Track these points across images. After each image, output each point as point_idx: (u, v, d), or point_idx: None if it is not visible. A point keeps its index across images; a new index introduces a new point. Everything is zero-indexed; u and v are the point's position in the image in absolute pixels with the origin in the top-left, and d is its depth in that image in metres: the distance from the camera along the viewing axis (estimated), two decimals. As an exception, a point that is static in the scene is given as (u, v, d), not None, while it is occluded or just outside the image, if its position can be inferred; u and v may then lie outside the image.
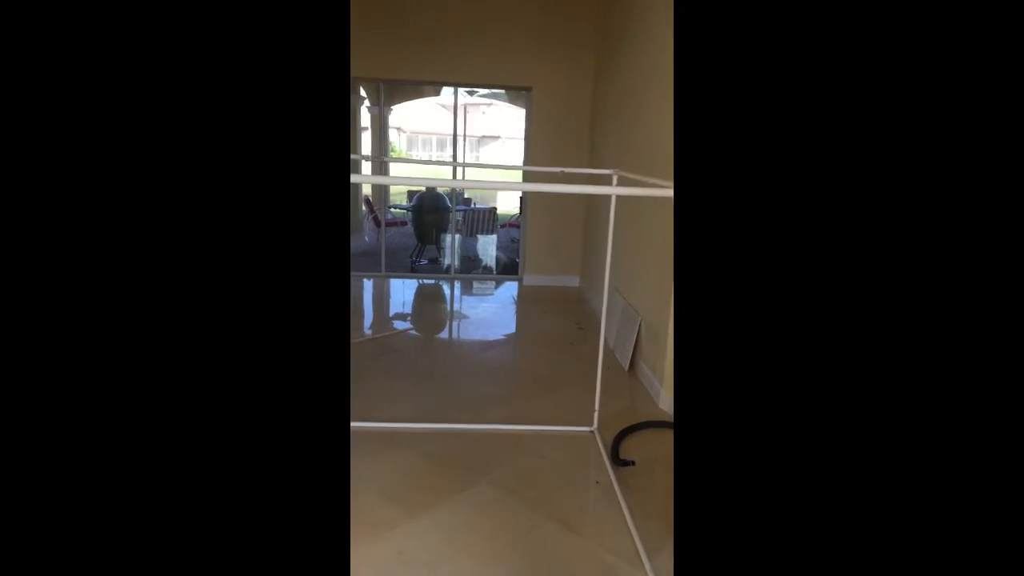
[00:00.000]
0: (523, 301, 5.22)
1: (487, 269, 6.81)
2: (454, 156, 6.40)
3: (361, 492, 2.18)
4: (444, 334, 4.39)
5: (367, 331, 4.18)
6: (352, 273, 5.98)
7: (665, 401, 3.02)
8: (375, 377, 3.30)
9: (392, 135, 10.77)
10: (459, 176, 7.22)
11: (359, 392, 3.05)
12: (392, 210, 8.70)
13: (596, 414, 2.73)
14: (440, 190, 6.61)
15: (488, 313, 4.85)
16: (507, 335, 4.41)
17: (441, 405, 2.96)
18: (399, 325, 4.43)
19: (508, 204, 8.98)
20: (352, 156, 2.63)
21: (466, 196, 8.14)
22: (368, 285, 5.67)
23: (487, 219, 6.94)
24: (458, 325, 4.61)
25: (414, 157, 18.38)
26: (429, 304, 5.22)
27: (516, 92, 7.35)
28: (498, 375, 3.51)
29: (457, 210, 6.77)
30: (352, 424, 2.70)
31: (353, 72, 5.19)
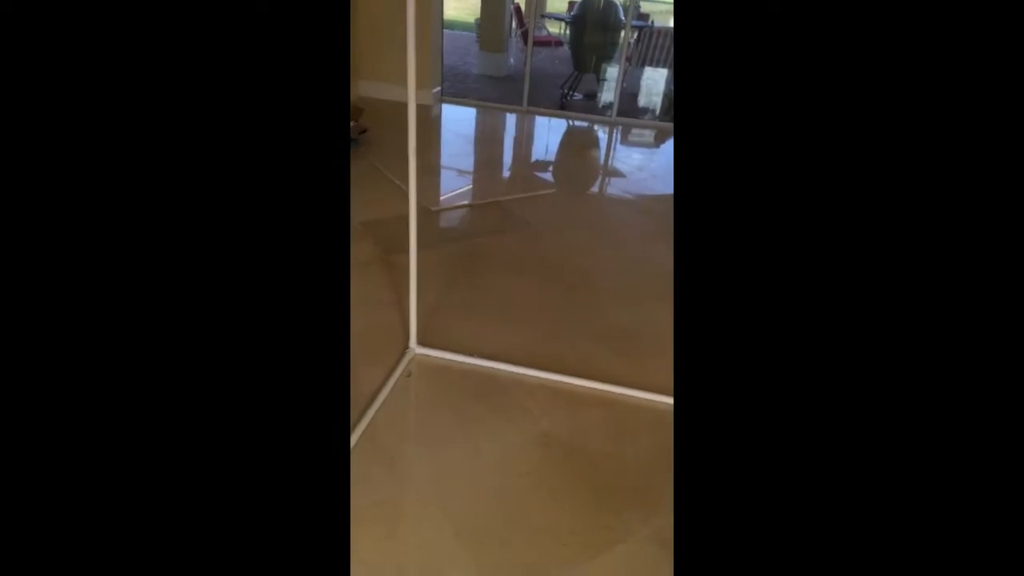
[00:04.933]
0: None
1: (656, 114, 5.19)
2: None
3: (432, 524, 1.21)
4: (596, 203, 3.15)
5: (470, 185, 3.06)
6: (489, 105, 4.76)
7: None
8: (491, 270, 2.24)
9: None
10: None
11: (464, 296, 2.03)
12: (547, 23, 7.04)
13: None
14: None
15: (658, 177, 3.46)
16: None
17: (578, 333, 1.87)
18: (540, 177, 3.26)
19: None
20: None
21: (642, 11, 6.22)
22: (506, 121, 4.44)
23: (669, 44, 5.14)
24: (612, 186, 3.33)
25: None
26: (578, 155, 3.92)
27: None
28: (669, 284, 2.29)
29: (633, 25, 5.04)
30: (448, 356, 1.71)
31: None
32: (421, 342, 1.75)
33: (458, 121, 4.29)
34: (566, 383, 1.65)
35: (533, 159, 3.74)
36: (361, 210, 2.62)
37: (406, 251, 1.67)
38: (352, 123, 3.37)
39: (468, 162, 3.47)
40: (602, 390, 1.63)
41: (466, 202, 2.84)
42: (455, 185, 3.10)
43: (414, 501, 1.26)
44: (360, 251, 2.28)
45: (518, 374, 1.67)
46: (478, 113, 4.55)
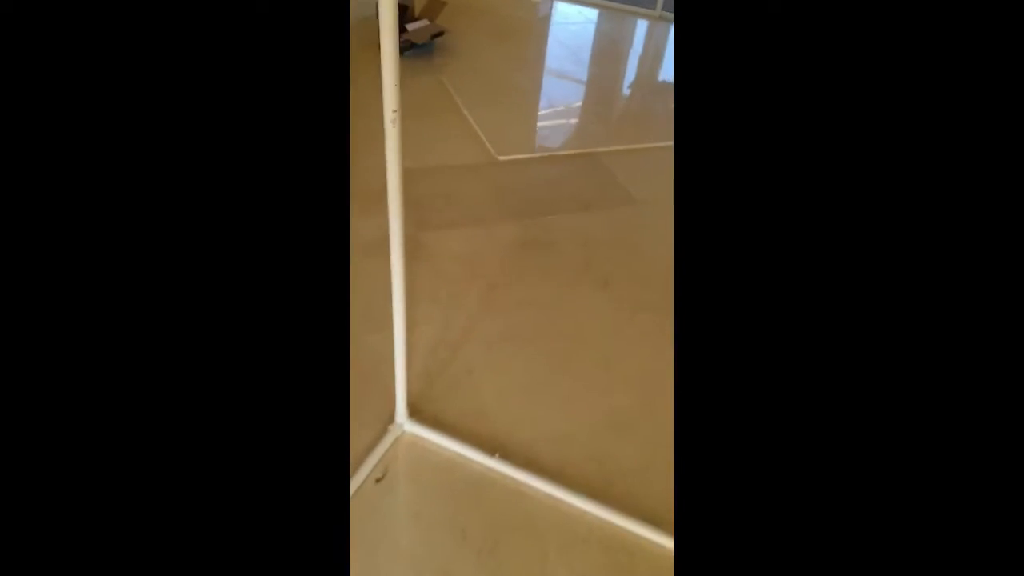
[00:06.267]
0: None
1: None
2: None
3: None
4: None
5: (564, 121, 2.22)
6: (614, 5, 3.73)
7: None
8: (559, 276, 1.49)
9: None
10: None
11: (506, 326, 1.32)
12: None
13: None
14: None
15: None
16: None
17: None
18: (666, 118, 2.37)
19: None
20: None
21: None
22: (633, 30, 3.43)
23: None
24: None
25: None
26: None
27: None
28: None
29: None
30: (452, 446, 1.06)
31: None
32: (416, 412, 1.10)
33: (570, 26, 3.36)
34: (652, 542, 0.95)
35: (661, 79, 2.78)
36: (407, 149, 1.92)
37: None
38: (426, 22, 2.60)
39: (572, 88, 2.61)
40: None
41: (548, 151, 2.05)
42: (547, 121, 2.30)
43: None
44: (380, 221, 1.62)
45: (566, 505, 0.98)
46: (599, 17, 3.56)
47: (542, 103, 2.42)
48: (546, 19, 3.41)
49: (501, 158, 1.95)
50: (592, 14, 3.59)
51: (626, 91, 2.69)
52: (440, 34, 2.62)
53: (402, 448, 1.05)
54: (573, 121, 2.30)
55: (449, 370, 1.20)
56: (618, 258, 1.56)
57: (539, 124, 2.27)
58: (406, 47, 2.54)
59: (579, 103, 2.47)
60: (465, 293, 1.40)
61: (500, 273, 1.47)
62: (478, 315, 1.35)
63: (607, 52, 3.13)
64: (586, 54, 3.01)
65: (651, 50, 3.21)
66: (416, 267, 1.46)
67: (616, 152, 2.08)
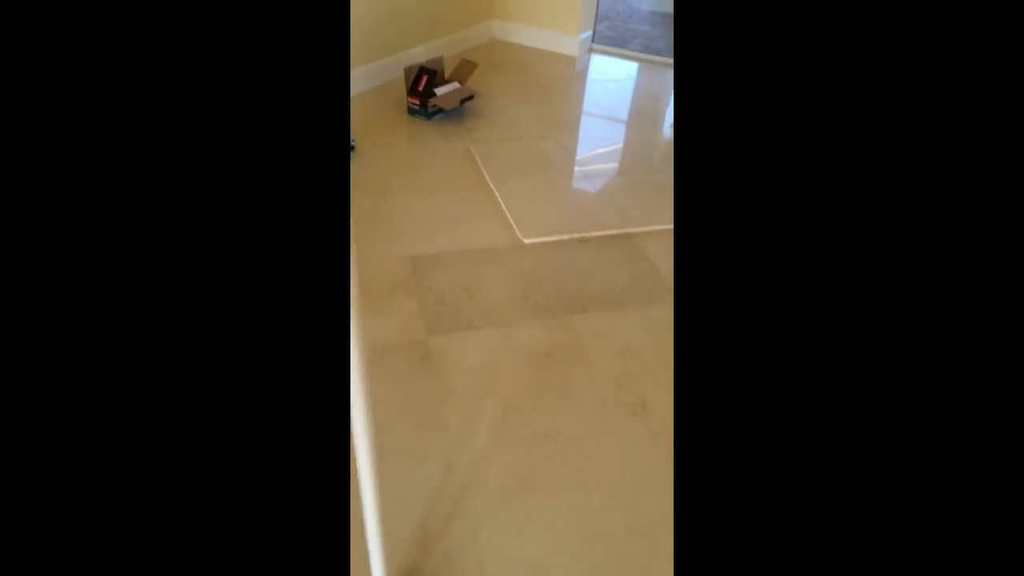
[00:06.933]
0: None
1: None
2: None
3: None
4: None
5: (596, 189, 2.04)
6: (654, 59, 3.58)
7: None
8: (588, 397, 1.29)
9: None
10: None
11: (525, 470, 1.13)
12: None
13: None
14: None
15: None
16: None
17: None
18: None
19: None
20: None
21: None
22: (650, 81, 3.26)
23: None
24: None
25: None
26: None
27: None
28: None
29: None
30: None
31: None
32: (405, 598, 0.90)
33: (607, 83, 3.21)
34: None
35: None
36: (420, 231, 1.77)
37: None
38: (456, 85, 2.49)
39: (607, 156, 2.44)
40: None
41: (578, 233, 1.86)
42: (578, 194, 2.13)
43: None
44: (385, 321, 1.45)
45: None
46: (638, 72, 3.41)
47: (575, 174, 2.25)
48: (583, 75, 3.28)
49: (527, 241, 1.78)
50: (632, 68, 3.44)
51: (664, 159, 2.50)
52: (470, 98, 2.50)
53: (384, 649, 0.85)
54: (607, 195, 2.12)
55: (449, 530, 1.01)
56: (656, 373, 1.35)
57: (570, 198, 2.10)
58: (434, 111, 2.42)
59: (614, 174, 2.30)
60: (476, 419, 1.21)
61: (518, 392, 1.28)
62: (489, 450, 1.15)
63: (646, 112, 2.96)
64: (624, 114, 2.85)
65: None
66: (424, 383, 1.29)
67: (654, 233, 1.88)
